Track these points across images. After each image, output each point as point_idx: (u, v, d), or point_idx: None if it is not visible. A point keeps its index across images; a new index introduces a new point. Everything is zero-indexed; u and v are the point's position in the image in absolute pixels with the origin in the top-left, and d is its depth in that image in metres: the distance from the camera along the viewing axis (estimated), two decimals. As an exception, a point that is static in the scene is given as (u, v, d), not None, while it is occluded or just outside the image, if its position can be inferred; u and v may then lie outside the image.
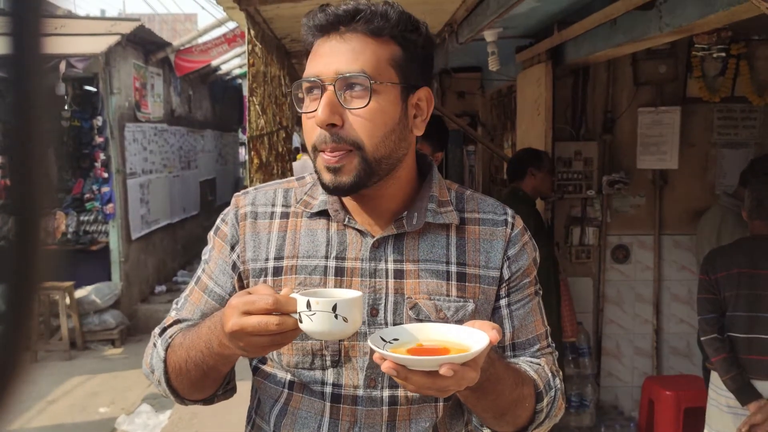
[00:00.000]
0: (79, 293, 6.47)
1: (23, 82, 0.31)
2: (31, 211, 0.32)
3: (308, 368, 1.11)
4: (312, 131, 1.05)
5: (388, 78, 1.05)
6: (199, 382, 1.10)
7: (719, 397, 2.82)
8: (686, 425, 3.75)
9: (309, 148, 1.08)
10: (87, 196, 7.05)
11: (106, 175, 6.76)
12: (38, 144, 0.32)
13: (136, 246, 7.39)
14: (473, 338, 0.91)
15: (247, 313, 0.90)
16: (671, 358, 4.33)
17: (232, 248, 1.16)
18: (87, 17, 9.46)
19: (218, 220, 1.21)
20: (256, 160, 3.14)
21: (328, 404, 1.11)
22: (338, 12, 1.03)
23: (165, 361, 1.11)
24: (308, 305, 0.90)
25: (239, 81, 11.36)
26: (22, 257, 0.32)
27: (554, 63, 3.81)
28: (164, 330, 1.16)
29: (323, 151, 1.04)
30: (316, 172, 1.08)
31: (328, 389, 1.11)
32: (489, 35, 3.64)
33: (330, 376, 1.11)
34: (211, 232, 1.21)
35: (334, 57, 1.04)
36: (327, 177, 1.05)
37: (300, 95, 1.09)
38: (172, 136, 8.78)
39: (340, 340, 1.08)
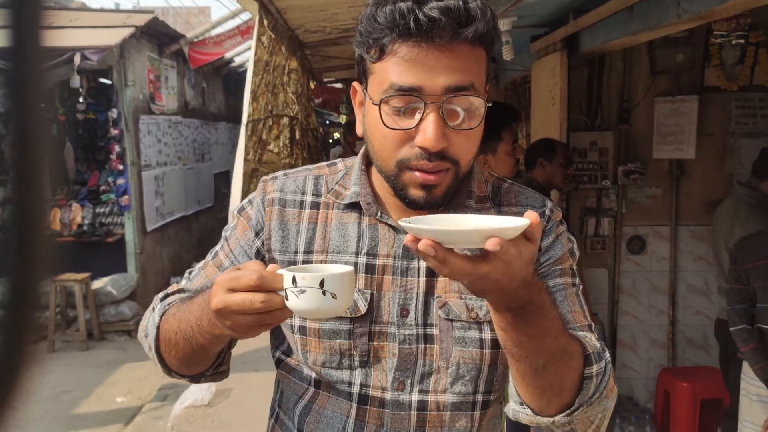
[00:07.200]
0: (96, 285, 6.53)
1: (22, 73, 0.30)
2: (32, 202, 0.32)
3: (336, 367, 1.06)
4: (399, 146, 0.95)
5: (484, 90, 0.96)
6: (187, 358, 1.05)
7: (749, 386, 2.78)
8: (702, 417, 3.73)
9: (390, 161, 0.97)
10: (102, 188, 7.10)
11: (121, 167, 6.80)
12: (37, 135, 0.31)
13: (151, 238, 7.43)
14: (512, 224, 0.79)
15: (232, 290, 0.83)
16: (687, 350, 4.30)
17: (257, 234, 1.10)
18: (101, 9, 9.51)
19: (245, 201, 1.15)
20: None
21: (354, 405, 1.06)
22: (445, 18, 0.88)
23: (158, 328, 1.07)
24: (294, 281, 0.83)
25: (252, 73, 11.36)
26: (24, 248, 0.31)
27: (569, 52, 3.77)
28: (166, 296, 1.13)
29: (419, 170, 0.95)
30: (397, 187, 0.99)
31: (356, 390, 1.06)
32: (503, 24, 3.60)
33: (358, 376, 1.06)
34: (236, 212, 1.16)
35: (440, 69, 0.90)
36: (418, 193, 0.97)
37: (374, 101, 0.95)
38: (186, 129, 8.81)
39: (369, 341, 1.04)
